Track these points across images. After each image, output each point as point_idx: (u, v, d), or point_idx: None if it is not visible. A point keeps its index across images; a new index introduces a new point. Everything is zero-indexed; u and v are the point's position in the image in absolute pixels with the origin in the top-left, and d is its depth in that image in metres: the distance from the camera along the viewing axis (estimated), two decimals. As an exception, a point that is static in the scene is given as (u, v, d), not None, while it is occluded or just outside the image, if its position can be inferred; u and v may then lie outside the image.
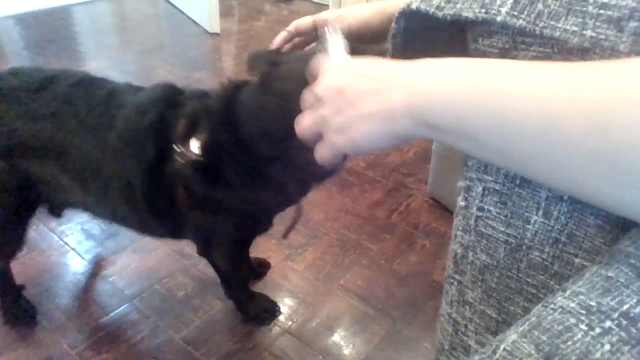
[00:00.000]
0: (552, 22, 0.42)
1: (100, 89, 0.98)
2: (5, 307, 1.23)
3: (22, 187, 1.02)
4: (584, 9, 0.40)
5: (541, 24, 0.42)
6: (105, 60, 2.64)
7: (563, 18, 0.41)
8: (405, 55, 0.54)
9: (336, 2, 3.08)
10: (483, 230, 0.56)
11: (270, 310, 1.24)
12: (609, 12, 0.38)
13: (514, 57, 0.48)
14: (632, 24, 0.37)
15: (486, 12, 0.46)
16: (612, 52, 0.39)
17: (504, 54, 0.49)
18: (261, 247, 1.44)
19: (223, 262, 1.12)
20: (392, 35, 0.55)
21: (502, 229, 0.54)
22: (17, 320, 1.21)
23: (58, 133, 0.94)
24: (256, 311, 1.23)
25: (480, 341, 0.61)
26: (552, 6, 0.42)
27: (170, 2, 3.53)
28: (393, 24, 0.54)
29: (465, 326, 0.62)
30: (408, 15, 0.53)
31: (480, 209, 0.56)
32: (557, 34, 0.41)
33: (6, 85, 0.97)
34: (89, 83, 0.99)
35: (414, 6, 0.51)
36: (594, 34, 0.39)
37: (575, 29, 0.40)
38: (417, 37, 0.56)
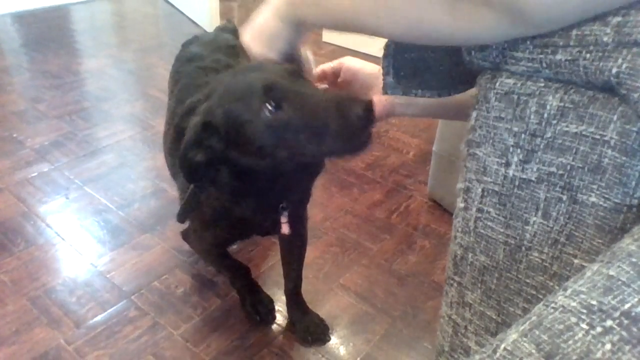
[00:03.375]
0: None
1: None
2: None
3: None
4: None
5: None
6: (104, 58, 2.63)
7: None
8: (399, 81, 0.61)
9: (337, 2, 3.08)
10: (482, 231, 0.57)
11: (261, 314, 1.22)
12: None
13: (506, 71, 0.50)
14: (615, 19, 0.41)
15: None
16: (595, 46, 0.42)
17: (495, 67, 0.50)
18: (261, 246, 1.44)
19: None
20: (384, 56, 0.59)
21: (501, 230, 0.55)
22: None
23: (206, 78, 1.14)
24: (248, 308, 1.23)
25: (480, 342, 0.62)
26: None
27: (169, 3, 3.53)
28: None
29: (465, 327, 0.63)
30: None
31: (479, 210, 0.56)
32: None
33: (218, 38, 1.30)
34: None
35: None
36: (578, 33, 0.43)
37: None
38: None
